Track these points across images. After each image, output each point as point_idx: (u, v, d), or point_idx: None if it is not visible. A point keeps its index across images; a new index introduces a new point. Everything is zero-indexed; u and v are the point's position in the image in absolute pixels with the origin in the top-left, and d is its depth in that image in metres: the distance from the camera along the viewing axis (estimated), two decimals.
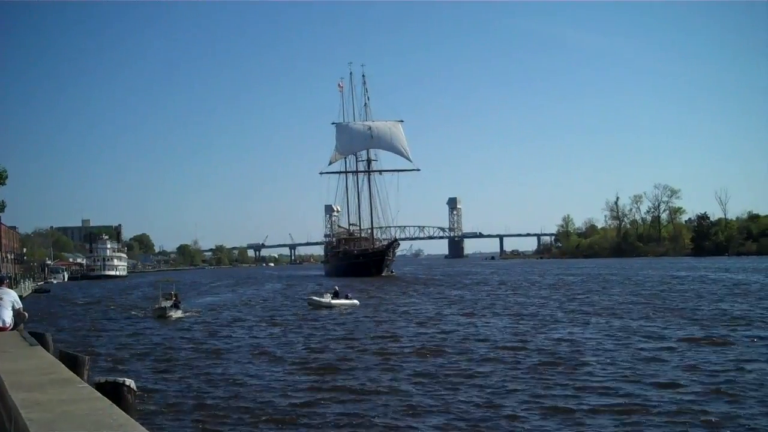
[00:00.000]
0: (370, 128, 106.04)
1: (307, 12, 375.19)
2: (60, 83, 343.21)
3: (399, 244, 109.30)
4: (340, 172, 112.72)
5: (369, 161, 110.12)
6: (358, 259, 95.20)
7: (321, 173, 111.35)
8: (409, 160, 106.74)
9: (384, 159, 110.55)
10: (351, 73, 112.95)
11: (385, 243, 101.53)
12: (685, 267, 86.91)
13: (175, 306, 36.33)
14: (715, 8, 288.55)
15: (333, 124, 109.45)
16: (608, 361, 18.01)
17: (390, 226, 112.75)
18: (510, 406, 13.47)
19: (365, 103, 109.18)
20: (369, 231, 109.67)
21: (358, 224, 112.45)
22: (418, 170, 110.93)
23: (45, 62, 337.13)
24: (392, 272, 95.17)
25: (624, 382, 15.24)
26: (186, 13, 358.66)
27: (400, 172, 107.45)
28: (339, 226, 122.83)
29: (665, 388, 14.54)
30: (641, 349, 19.85)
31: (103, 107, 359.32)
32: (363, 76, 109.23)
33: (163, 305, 35.83)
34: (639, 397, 13.73)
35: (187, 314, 36.63)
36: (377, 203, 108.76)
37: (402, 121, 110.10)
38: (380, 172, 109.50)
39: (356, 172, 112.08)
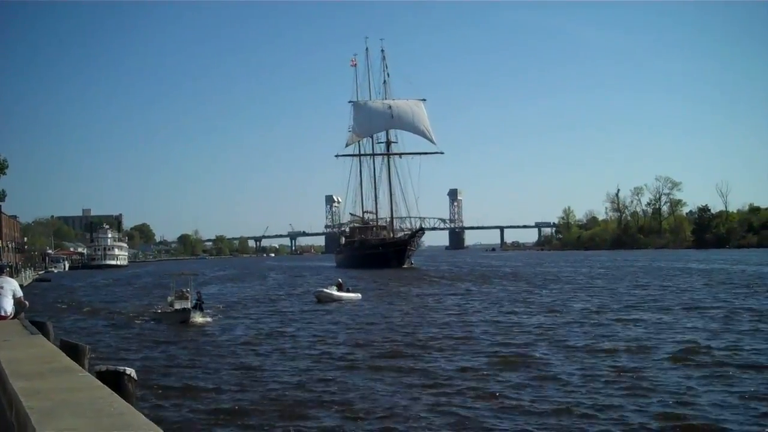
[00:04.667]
0: (390, 107, 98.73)
1: None
2: (61, 72, 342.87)
3: (424, 233, 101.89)
4: (356, 155, 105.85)
5: (389, 143, 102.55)
6: (377, 249, 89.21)
7: (337, 156, 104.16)
8: (433, 142, 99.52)
9: (402, 142, 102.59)
10: (367, 49, 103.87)
11: (407, 232, 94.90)
12: (695, 259, 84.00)
13: (199, 308, 29.20)
14: (716, 2, 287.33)
15: (350, 102, 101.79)
16: None
17: (392, 217, 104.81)
18: None
19: (384, 81, 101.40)
20: (387, 219, 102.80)
21: (374, 212, 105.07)
22: (442, 153, 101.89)
23: (46, 52, 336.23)
24: (412, 264, 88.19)
25: None
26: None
27: (422, 156, 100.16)
28: (351, 214, 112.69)
29: None
30: None
31: (104, 96, 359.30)
32: (382, 51, 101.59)
33: (182, 306, 28.78)
34: None
35: (214, 318, 29.83)
36: (397, 189, 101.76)
37: (424, 99, 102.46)
38: (400, 155, 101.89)
39: (374, 154, 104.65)
